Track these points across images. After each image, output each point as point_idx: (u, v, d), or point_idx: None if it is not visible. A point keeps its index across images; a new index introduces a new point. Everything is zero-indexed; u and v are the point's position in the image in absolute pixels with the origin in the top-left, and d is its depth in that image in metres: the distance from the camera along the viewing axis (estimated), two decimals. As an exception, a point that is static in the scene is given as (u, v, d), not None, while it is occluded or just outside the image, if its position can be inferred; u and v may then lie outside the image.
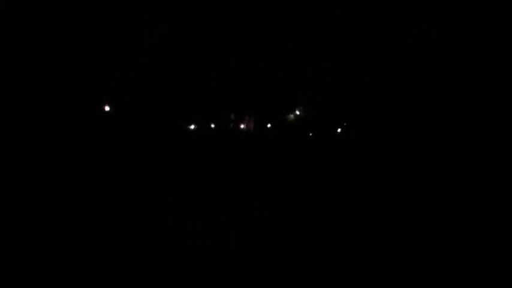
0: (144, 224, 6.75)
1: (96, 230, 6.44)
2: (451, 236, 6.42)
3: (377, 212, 7.93)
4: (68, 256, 5.19)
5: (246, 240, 5.96)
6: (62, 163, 17.83)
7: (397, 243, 5.79)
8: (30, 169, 14.06)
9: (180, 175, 13.82)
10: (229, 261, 5.02)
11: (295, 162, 20.00)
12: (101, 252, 5.42)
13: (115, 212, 7.76)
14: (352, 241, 5.89)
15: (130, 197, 9.72)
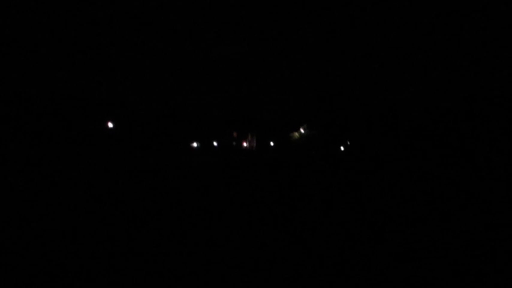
0: (147, 234, 6.68)
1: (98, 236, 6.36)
2: (450, 237, 6.42)
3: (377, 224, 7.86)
4: (68, 256, 5.10)
5: (245, 248, 5.88)
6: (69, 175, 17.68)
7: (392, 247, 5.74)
8: (34, 176, 13.94)
9: (183, 188, 13.72)
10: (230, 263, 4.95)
11: (299, 177, 19.89)
12: (101, 253, 5.32)
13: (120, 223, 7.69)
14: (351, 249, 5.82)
15: (135, 209, 9.66)
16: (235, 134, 78.80)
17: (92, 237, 6.85)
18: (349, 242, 6.68)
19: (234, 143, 78.11)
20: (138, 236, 7.01)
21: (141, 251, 6.14)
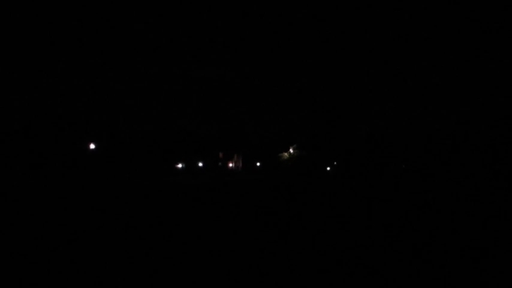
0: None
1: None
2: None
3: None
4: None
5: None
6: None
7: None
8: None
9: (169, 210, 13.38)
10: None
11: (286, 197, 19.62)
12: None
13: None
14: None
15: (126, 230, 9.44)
16: (221, 155, 78.54)
17: (74, 260, 6.52)
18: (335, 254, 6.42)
19: (220, 164, 77.77)
20: (123, 255, 6.78)
21: (126, 271, 5.86)
